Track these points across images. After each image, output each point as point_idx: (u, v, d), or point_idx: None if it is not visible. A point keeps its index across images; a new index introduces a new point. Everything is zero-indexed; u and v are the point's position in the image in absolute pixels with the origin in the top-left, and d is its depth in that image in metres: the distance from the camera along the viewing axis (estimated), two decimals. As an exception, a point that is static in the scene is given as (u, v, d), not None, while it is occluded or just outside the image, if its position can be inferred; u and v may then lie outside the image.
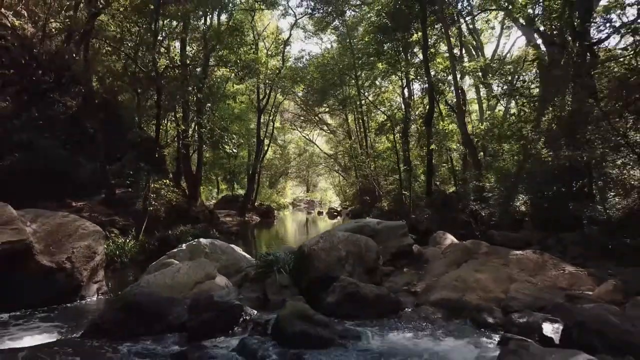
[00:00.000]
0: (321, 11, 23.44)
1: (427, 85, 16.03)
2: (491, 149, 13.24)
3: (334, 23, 24.51)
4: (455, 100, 16.61)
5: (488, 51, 26.28)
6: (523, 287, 4.63)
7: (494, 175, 12.88)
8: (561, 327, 3.20)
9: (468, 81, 21.11)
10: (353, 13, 24.40)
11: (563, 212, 9.34)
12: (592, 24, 11.06)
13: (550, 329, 3.27)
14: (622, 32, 10.18)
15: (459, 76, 17.30)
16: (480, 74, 25.63)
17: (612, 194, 9.76)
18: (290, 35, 24.82)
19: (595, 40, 10.88)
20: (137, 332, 3.93)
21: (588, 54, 10.90)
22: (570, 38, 12.09)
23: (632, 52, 9.76)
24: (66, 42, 14.04)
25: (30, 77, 13.53)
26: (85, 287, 6.38)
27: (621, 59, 10.04)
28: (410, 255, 6.32)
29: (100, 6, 10.60)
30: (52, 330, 4.57)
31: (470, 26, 18.93)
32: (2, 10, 13.34)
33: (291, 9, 24.02)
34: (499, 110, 20.94)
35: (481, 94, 23.10)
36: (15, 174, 10.26)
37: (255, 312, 4.31)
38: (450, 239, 7.79)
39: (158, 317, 4.03)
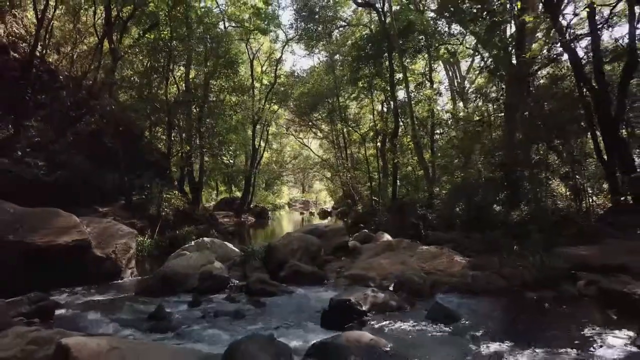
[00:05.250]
0: (310, 31, 26.09)
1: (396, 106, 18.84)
2: (441, 162, 16.09)
3: (322, 42, 27.27)
4: (425, 116, 19.49)
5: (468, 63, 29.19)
6: (403, 267, 7.41)
7: (448, 185, 15.75)
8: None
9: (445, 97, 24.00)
10: (339, 36, 27.16)
11: (486, 217, 12.20)
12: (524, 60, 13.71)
13: (373, 285, 6.16)
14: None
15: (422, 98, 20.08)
16: (457, 87, 28.43)
17: (522, 203, 12.66)
18: (282, 54, 27.79)
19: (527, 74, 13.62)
20: (168, 292, 6.75)
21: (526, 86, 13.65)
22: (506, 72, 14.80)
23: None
24: (93, 72, 16.78)
25: (59, 100, 16.34)
26: (124, 271, 9.15)
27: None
28: (347, 249, 9.16)
29: (122, 55, 13.38)
30: (112, 294, 7.38)
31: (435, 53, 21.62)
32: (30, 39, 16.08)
33: (282, 30, 26.62)
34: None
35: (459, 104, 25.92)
36: (58, 186, 13.07)
37: (238, 281, 7.17)
38: (386, 237, 10.59)
39: (180, 283, 6.88)
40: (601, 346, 3.74)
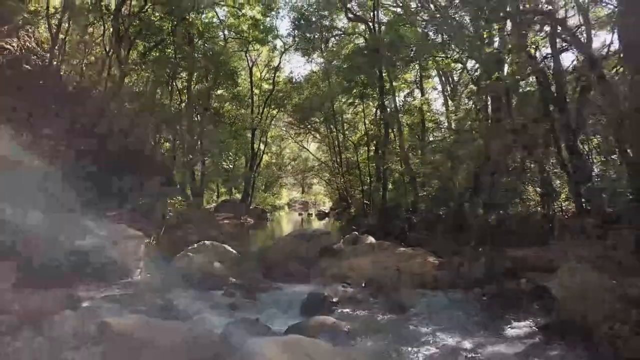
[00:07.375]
0: (307, 39, 26.96)
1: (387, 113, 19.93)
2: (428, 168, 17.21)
3: (317, 51, 28.28)
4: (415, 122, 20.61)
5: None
6: (378, 267, 8.52)
7: (432, 190, 16.87)
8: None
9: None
10: (335, 44, 28.17)
11: (463, 221, 13.32)
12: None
13: (351, 282, 7.28)
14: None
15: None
16: (449, 94, 29.49)
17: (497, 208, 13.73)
18: (280, 61, 28.92)
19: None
20: (175, 289, 7.88)
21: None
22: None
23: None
24: (101, 82, 17.83)
25: (69, 111, 17.47)
26: (134, 271, 10.33)
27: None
28: (333, 251, 10.28)
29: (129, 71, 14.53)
30: (126, 290, 8.48)
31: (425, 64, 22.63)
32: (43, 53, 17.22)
33: (280, 39, 27.68)
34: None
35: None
36: (69, 192, 14.21)
37: (235, 279, 8.31)
38: (370, 239, 11.68)
39: (185, 281, 8.01)
40: (511, 328, 4.86)
